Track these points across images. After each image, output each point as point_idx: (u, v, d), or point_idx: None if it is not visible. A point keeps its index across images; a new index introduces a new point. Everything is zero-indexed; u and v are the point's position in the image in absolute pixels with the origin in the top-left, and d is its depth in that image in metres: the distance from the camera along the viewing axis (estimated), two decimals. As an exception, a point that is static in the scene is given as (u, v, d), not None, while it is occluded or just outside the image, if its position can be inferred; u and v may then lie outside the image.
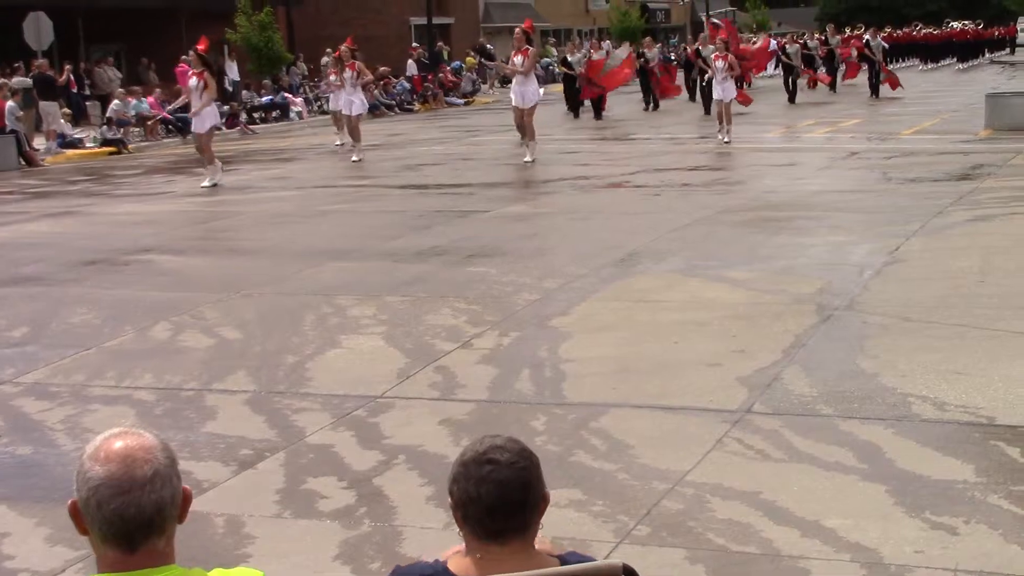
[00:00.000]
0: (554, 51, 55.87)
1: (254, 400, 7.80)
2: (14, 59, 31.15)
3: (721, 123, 23.74)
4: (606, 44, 49.89)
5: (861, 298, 9.76)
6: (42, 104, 28.54)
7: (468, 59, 49.96)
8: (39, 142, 27.50)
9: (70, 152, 27.50)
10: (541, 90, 22.50)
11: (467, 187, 18.57)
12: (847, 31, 48.73)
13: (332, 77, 24.72)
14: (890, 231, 12.68)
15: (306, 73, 41.88)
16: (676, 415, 7.11)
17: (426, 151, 25.05)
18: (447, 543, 2.93)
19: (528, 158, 21.11)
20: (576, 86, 33.49)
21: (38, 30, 29.73)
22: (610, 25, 68.61)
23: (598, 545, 5.25)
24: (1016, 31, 77.90)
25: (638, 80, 36.91)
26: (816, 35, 45.05)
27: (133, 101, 30.92)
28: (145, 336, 9.61)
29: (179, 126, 29.43)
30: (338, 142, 25.62)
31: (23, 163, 25.17)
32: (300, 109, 37.24)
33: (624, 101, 36.81)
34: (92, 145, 28.30)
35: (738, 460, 6.30)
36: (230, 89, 38.55)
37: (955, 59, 58.65)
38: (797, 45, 39.47)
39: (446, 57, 48.72)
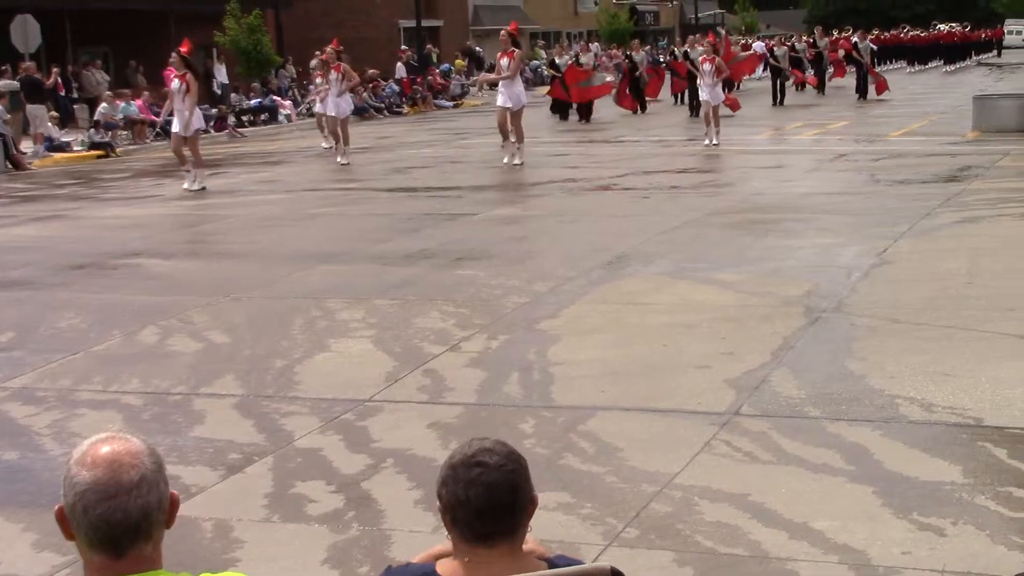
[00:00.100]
0: (543, 53, 55.89)
1: (242, 404, 7.79)
2: (1, 62, 31.06)
3: (708, 126, 23.75)
4: (594, 46, 49.96)
5: (849, 300, 9.78)
6: (29, 107, 28.48)
7: (457, 62, 49.97)
8: (26, 145, 27.43)
9: (57, 155, 27.44)
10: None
11: (456, 190, 18.57)
12: (835, 33, 48.86)
13: (319, 80, 24.65)
14: (878, 233, 12.70)
15: (295, 76, 41.86)
16: (665, 417, 7.12)
17: (415, 154, 25.04)
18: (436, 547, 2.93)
19: (516, 160, 21.09)
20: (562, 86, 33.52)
21: (25, 33, 29.67)
22: (599, 27, 68.67)
23: (586, 548, 5.26)
24: (1003, 33, 78.31)
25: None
26: (804, 38, 45.15)
27: (121, 104, 30.87)
28: (133, 340, 9.59)
29: (168, 130, 29.36)
30: (325, 145, 25.58)
31: (10, 167, 25.08)
32: (289, 112, 37.21)
33: (611, 104, 36.81)
34: (80, 148, 28.24)
35: (726, 462, 6.31)
36: (218, 92, 38.54)
37: (942, 61, 58.80)
38: (785, 48, 39.54)
39: (435, 60, 48.74)
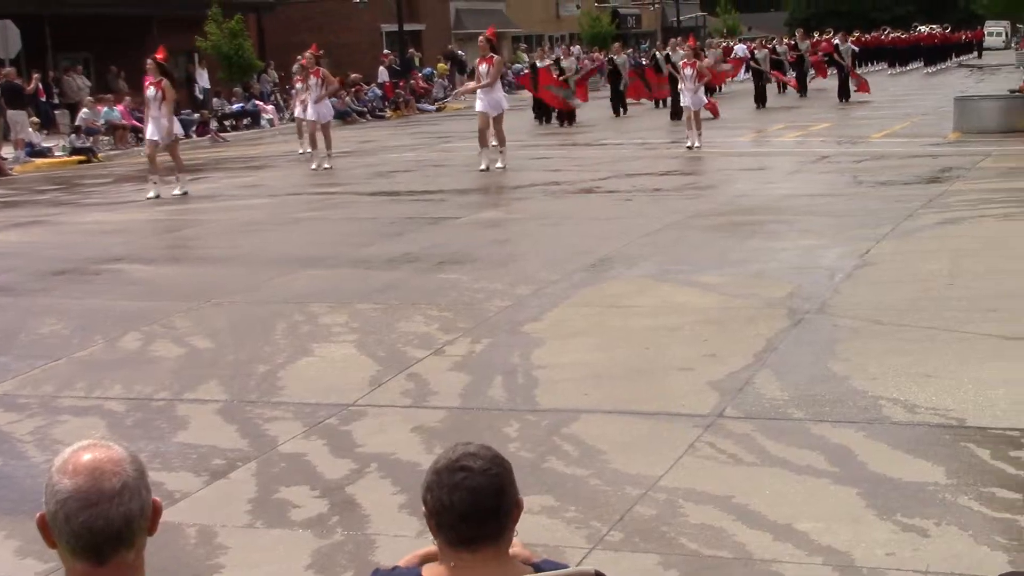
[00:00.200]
0: (525, 57, 55.89)
1: (226, 410, 7.77)
2: (-19, 68, 30.95)
3: (690, 130, 23.72)
4: (575, 49, 49.99)
5: (832, 302, 9.80)
6: (10, 113, 28.34)
7: (439, 66, 49.97)
8: (7, 151, 27.30)
9: (39, 161, 27.36)
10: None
11: (439, 193, 18.56)
12: (816, 35, 49.01)
13: (299, 85, 24.59)
14: (860, 234, 12.74)
15: (277, 80, 41.80)
16: (648, 420, 7.12)
17: (398, 158, 25.02)
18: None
19: (499, 164, 21.08)
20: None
21: (5, 38, 29.55)
22: (581, 31, 68.72)
23: (571, 551, 5.26)
24: (983, 35, 78.66)
25: (609, 86, 37.08)
26: (785, 40, 45.27)
27: (104, 109, 30.78)
28: (115, 346, 9.56)
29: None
30: (301, 150, 25.51)
31: (-9, 172, 25.01)
32: (271, 116, 37.17)
33: (593, 107, 36.87)
34: (61, 154, 28.17)
35: (710, 465, 6.32)
36: (200, 97, 38.46)
37: (923, 63, 59.01)
38: (766, 50, 39.64)
39: (417, 64, 48.72)
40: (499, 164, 21.07)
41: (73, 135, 29.34)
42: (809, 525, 5.44)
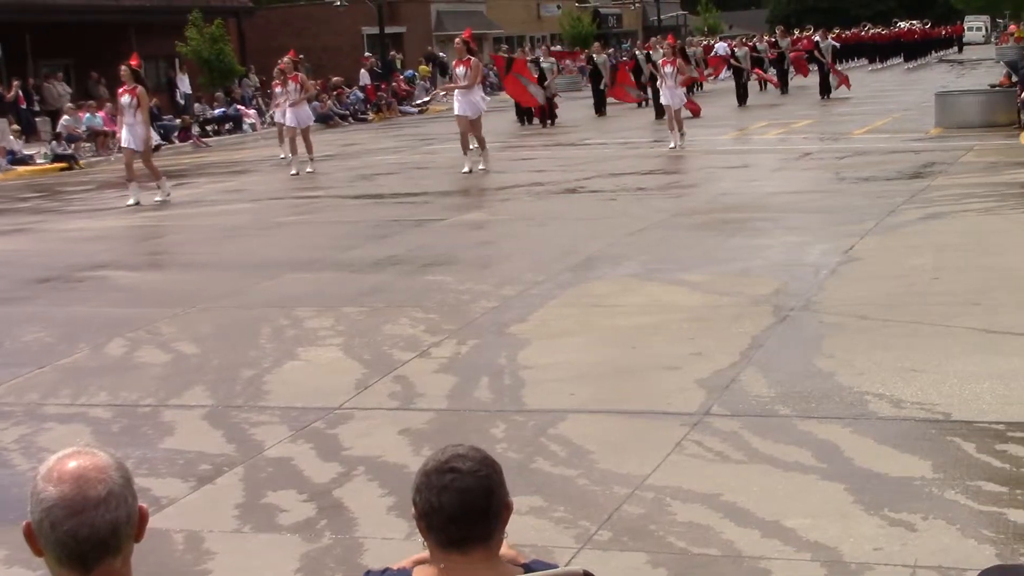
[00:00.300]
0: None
1: (212, 415, 7.76)
2: (-39, 76, 30.91)
3: (672, 130, 23.69)
4: (556, 49, 49.98)
5: (817, 298, 9.82)
6: (-9, 121, 28.32)
7: (421, 68, 49.96)
8: (-11, 159, 27.26)
9: (20, 169, 27.27)
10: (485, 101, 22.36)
11: (423, 196, 18.55)
12: (796, 32, 49.10)
13: (277, 90, 24.54)
14: (844, 231, 12.77)
15: (258, 85, 41.75)
16: (635, 419, 7.13)
17: (381, 160, 25.00)
18: (408, 554, 2.92)
19: (481, 166, 21.07)
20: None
21: (-15, 46, 29.48)
22: (562, 31, 68.74)
23: (560, 551, 5.25)
24: (963, 30, 78.91)
25: (589, 86, 37.10)
26: (766, 37, 45.34)
27: (86, 115, 30.70)
28: (100, 353, 9.53)
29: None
30: (282, 155, 25.46)
31: (-27, 181, 24.93)
32: (253, 121, 37.11)
33: (576, 107, 36.91)
34: (43, 161, 28.08)
35: (698, 463, 6.32)
36: (182, 102, 38.39)
37: (903, 59, 59.16)
38: (746, 48, 39.70)
39: (399, 66, 48.71)
40: (481, 166, 21.07)
41: (54, 142, 29.26)
42: (797, 521, 5.45)
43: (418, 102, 43.72)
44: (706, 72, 40.73)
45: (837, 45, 41.42)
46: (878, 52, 58.38)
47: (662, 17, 76.71)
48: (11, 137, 28.18)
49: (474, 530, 2.63)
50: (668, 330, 9.06)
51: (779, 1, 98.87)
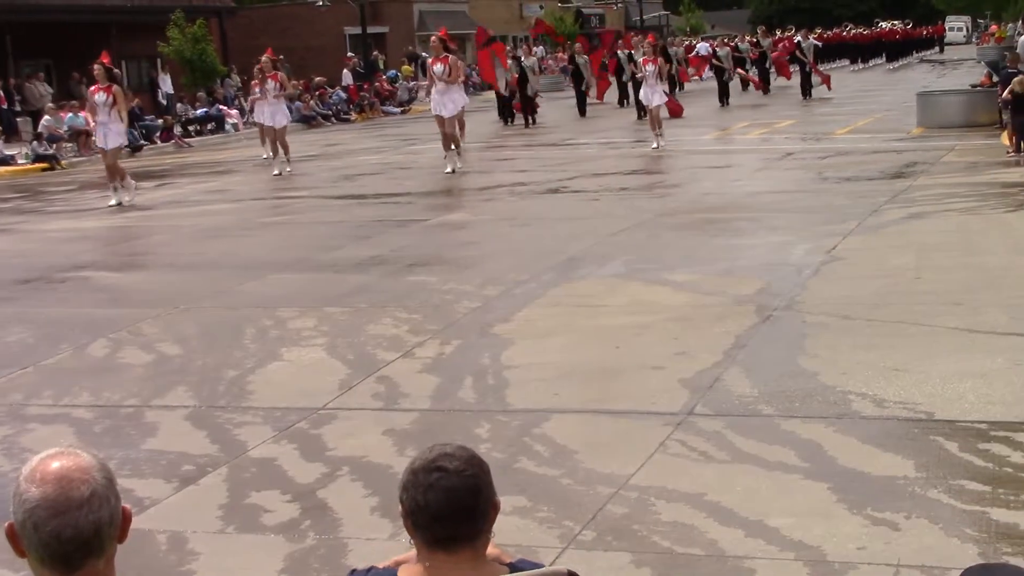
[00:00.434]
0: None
1: (195, 415, 7.74)
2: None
3: (654, 130, 23.66)
4: (538, 50, 50.04)
5: (800, 298, 9.84)
6: (-28, 121, 28.20)
7: (404, 67, 49.90)
8: (-30, 160, 27.14)
9: (1, 169, 27.15)
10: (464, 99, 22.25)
11: (406, 196, 18.53)
12: (778, 33, 49.18)
13: (256, 89, 24.47)
14: (827, 230, 12.79)
15: (240, 85, 41.64)
16: (619, 419, 7.13)
17: (364, 160, 24.96)
18: (392, 554, 2.92)
19: (449, 168, 20.91)
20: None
21: (-34, 46, 29.35)
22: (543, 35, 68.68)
23: (544, 551, 5.25)
24: (944, 30, 79.20)
25: (572, 85, 37.09)
26: (748, 38, 45.40)
27: (67, 115, 30.58)
28: (83, 354, 9.50)
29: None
30: (264, 155, 25.39)
31: (-46, 181, 24.81)
32: (236, 121, 37.01)
33: (557, 107, 36.92)
34: (24, 161, 27.96)
35: (681, 462, 6.33)
36: (164, 102, 38.28)
37: (885, 59, 59.30)
38: (728, 48, 39.75)
39: (382, 66, 48.64)
40: (455, 165, 20.91)
41: (35, 142, 29.13)
42: (781, 521, 5.45)
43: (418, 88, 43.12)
44: (688, 72, 40.76)
45: (819, 45, 41.52)
46: (860, 52, 58.52)
47: (645, 17, 76.83)
48: (-8, 137, 28.07)
49: (460, 529, 2.63)
50: (652, 330, 9.07)
51: (761, 1, 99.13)
